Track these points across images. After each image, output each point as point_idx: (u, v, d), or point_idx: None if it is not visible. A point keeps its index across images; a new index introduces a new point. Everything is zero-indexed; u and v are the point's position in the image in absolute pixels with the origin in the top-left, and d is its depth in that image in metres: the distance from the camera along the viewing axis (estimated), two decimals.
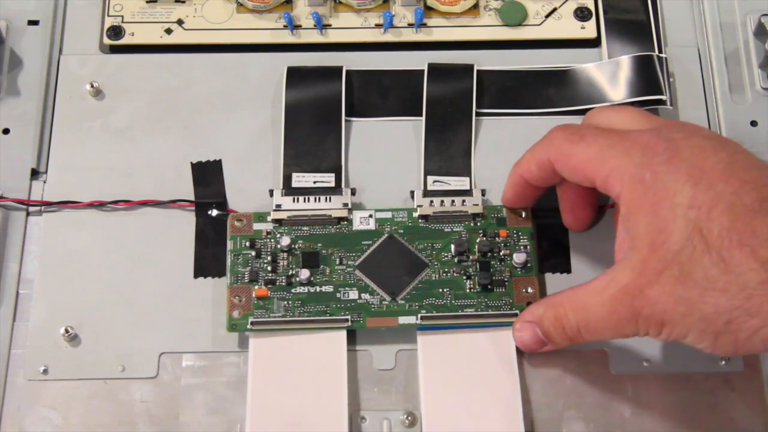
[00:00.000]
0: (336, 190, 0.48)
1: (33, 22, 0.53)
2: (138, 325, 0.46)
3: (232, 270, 0.45)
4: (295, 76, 0.50)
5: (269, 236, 0.46)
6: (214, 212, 0.48)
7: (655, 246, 0.36)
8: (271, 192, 0.47)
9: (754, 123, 0.51)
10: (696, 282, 0.35)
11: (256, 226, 0.46)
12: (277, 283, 0.45)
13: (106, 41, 0.52)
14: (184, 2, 0.53)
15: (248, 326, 0.44)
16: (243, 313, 0.44)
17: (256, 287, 0.45)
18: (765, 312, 0.34)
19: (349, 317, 0.44)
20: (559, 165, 0.41)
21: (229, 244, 0.46)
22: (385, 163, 0.50)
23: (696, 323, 0.36)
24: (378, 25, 0.53)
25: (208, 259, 0.47)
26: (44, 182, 0.49)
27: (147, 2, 0.53)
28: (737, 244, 0.34)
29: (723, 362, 0.45)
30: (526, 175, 0.44)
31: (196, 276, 0.47)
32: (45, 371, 0.45)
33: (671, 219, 0.36)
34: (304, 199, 0.47)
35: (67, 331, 0.45)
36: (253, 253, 0.46)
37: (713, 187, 0.36)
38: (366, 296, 0.45)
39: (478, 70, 0.51)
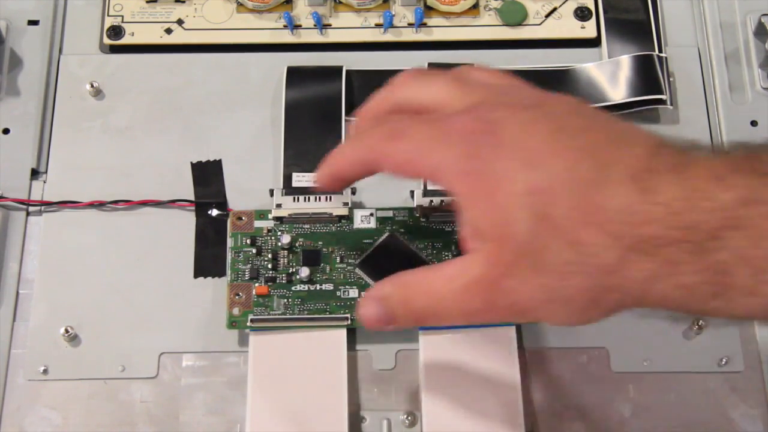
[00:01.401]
0: None
1: (33, 22, 0.53)
2: (138, 325, 0.46)
3: (233, 267, 0.45)
4: (295, 76, 0.50)
5: (270, 234, 0.46)
6: (214, 212, 0.48)
7: (503, 239, 0.34)
8: (272, 192, 0.47)
9: (754, 123, 0.51)
10: (553, 268, 0.33)
11: (257, 223, 0.46)
12: (278, 281, 0.45)
13: (106, 41, 0.52)
14: (184, 2, 0.53)
15: (248, 323, 0.44)
16: (243, 311, 0.44)
17: (257, 284, 0.45)
18: (625, 286, 0.32)
19: (349, 315, 0.44)
20: (378, 165, 0.38)
21: (230, 242, 0.46)
22: None
23: (561, 308, 0.34)
24: (378, 25, 0.53)
25: (208, 259, 0.47)
26: (44, 182, 0.49)
27: (147, 2, 0.53)
28: (583, 223, 0.32)
29: (723, 362, 0.45)
30: (340, 174, 0.40)
31: (196, 276, 0.47)
32: (45, 371, 0.45)
33: (511, 209, 0.33)
34: (305, 198, 0.47)
35: (67, 331, 0.45)
36: (254, 251, 0.46)
37: (544, 165, 0.33)
38: None
39: None
